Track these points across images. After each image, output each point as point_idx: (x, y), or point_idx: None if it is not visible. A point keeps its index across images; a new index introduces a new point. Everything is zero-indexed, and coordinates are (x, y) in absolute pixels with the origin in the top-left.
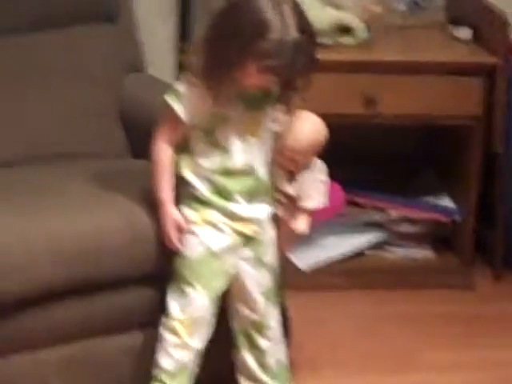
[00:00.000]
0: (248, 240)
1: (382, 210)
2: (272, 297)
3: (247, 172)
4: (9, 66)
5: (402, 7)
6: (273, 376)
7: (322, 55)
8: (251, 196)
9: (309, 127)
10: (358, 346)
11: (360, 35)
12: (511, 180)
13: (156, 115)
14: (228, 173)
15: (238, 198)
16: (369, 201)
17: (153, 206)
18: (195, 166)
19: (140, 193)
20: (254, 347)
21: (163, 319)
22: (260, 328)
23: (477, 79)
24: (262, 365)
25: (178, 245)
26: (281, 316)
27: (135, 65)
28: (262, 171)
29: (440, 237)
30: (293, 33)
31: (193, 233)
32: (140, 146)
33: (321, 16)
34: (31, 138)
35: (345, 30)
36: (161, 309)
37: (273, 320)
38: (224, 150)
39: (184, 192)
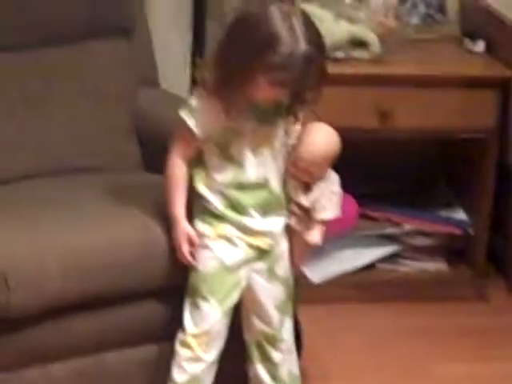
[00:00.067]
0: (262, 253)
1: (395, 223)
2: (285, 309)
3: (261, 185)
4: (23, 81)
5: (416, 21)
6: None
7: (336, 69)
8: (265, 209)
9: (322, 138)
10: (371, 358)
11: (374, 49)
12: None
13: (169, 130)
14: (242, 187)
15: (252, 211)
16: (382, 214)
17: (166, 219)
18: (209, 180)
19: (153, 207)
20: (267, 359)
21: (178, 334)
22: (273, 341)
23: (491, 92)
24: (275, 377)
25: (190, 259)
26: (293, 328)
27: (149, 79)
28: (275, 184)
29: (453, 249)
30: (303, 45)
31: (207, 247)
32: (153, 161)
33: (335, 29)
34: (45, 153)
35: (359, 43)
36: (174, 322)
37: (286, 332)
38: (238, 163)
39: (198, 206)
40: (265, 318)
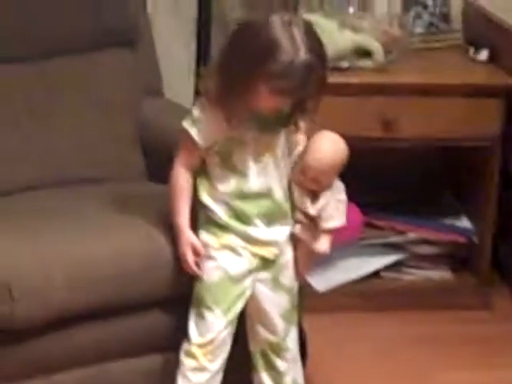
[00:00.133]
0: (266, 263)
1: (399, 231)
2: (290, 318)
3: (264, 194)
4: (28, 92)
5: (420, 30)
6: None
7: (340, 78)
8: (269, 218)
9: (330, 146)
10: (376, 366)
11: (378, 58)
12: None
13: (173, 139)
14: (245, 196)
15: (257, 221)
16: (387, 223)
17: (171, 229)
18: (213, 190)
19: (158, 217)
20: (272, 368)
21: (183, 344)
22: (278, 350)
23: (495, 100)
24: None
25: (195, 269)
26: (298, 336)
27: (154, 89)
28: (278, 193)
29: (458, 257)
30: (303, 54)
31: (211, 257)
32: (158, 170)
33: (339, 39)
34: (49, 163)
35: (363, 53)
36: (179, 332)
37: (291, 341)
38: (240, 173)
39: (202, 216)
40: (269, 327)
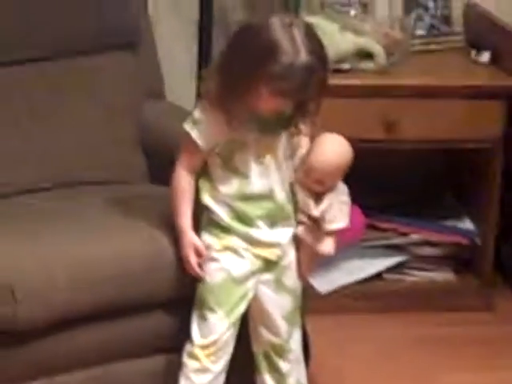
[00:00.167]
0: (269, 264)
1: (402, 233)
2: (293, 320)
3: (266, 196)
4: (30, 93)
5: (422, 32)
6: None
7: (342, 80)
8: (272, 220)
9: (335, 148)
10: (378, 368)
11: (380, 60)
12: None
13: (175, 142)
14: (247, 198)
15: (259, 223)
16: (389, 225)
17: (173, 231)
18: (215, 192)
19: (160, 218)
20: (275, 370)
21: (186, 345)
22: (281, 351)
23: (496, 102)
24: None
25: (197, 270)
26: (301, 338)
27: (155, 92)
28: (281, 195)
29: (460, 259)
30: (303, 55)
31: (213, 259)
32: (159, 173)
33: (340, 41)
34: (51, 166)
35: (365, 55)
36: (182, 334)
37: (294, 343)
38: (242, 175)
39: (205, 218)
40: (272, 329)
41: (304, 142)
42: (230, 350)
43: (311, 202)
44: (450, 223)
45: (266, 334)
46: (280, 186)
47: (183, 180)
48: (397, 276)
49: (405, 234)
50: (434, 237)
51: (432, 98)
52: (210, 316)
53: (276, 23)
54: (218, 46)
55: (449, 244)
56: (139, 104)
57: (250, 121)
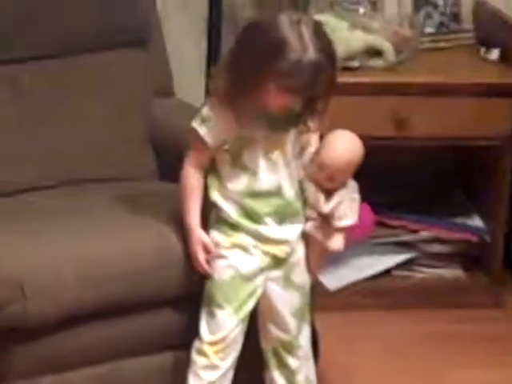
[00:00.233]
0: (278, 261)
1: (411, 230)
2: (302, 316)
3: (274, 193)
4: (39, 91)
5: (431, 30)
6: None
7: (351, 78)
8: (281, 217)
9: (346, 144)
10: (387, 364)
11: (389, 58)
12: None
13: (184, 139)
14: (255, 195)
15: (268, 220)
16: (399, 222)
17: (181, 228)
18: (223, 189)
19: (169, 215)
20: (284, 366)
21: (195, 342)
22: (290, 348)
23: (506, 99)
24: (292, 383)
25: (205, 267)
26: (310, 334)
27: (164, 89)
28: (289, 191)
29: (470, 256)
30: (311, 53)
31: (222, 256)
32: (168, 170)
33: (350, 39)
34: (60, 163)
35: (374, 52)
36: (191, 331)
37: (303, 339)
38: (250, 172)
39: (213, 215)
40: (281, 326)
41: (313, 140)
42: (238, 346)
43: (321, 199)
44: (459, 220)
45: (274, 331)
46: (289, 182)
47: (192, 177)
48: (406, 273)
49: (414, 231)
50: (444, 234)
51: (441, 96)
52: (219, 313)
53: (284, 20)
54: (227, 42)
55: (458, 241)
56: (148, 101)
57: (259, 118)
